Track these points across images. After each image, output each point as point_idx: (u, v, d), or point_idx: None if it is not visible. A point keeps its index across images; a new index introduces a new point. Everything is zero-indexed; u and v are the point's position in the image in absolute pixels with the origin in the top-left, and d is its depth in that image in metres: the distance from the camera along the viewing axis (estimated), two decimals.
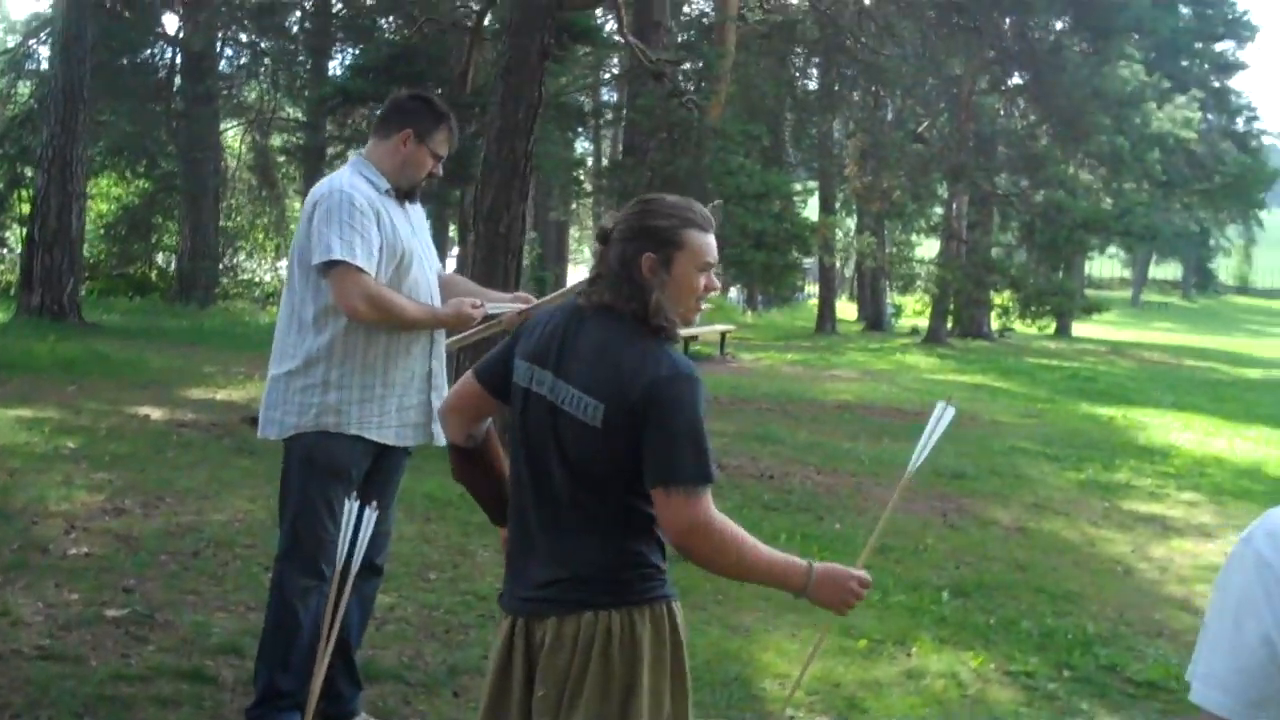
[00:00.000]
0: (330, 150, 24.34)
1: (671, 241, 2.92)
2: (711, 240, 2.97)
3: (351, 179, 4.37)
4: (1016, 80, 28.42)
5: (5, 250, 29.19)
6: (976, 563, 8.17)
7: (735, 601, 6.78)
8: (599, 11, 13.52)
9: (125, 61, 28.52)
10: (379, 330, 4.31)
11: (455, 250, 23.55)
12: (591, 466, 2.84)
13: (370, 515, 3.31)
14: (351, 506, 3.35)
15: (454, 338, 4.65)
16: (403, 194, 4.46)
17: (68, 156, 18.59)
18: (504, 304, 4.52)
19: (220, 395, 12.44)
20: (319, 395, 4.34)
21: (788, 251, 14.72)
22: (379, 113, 4.76)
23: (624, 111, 18.45)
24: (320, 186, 4.45)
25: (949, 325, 31.45)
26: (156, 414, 10.87)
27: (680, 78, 12.98)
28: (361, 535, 3.34)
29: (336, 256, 4.16)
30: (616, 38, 14.42)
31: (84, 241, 20.64)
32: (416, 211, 4.62)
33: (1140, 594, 7.89)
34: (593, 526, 2.87)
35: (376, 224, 4.28)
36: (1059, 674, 6.09)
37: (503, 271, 10.08)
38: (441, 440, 4.34)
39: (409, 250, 4.39)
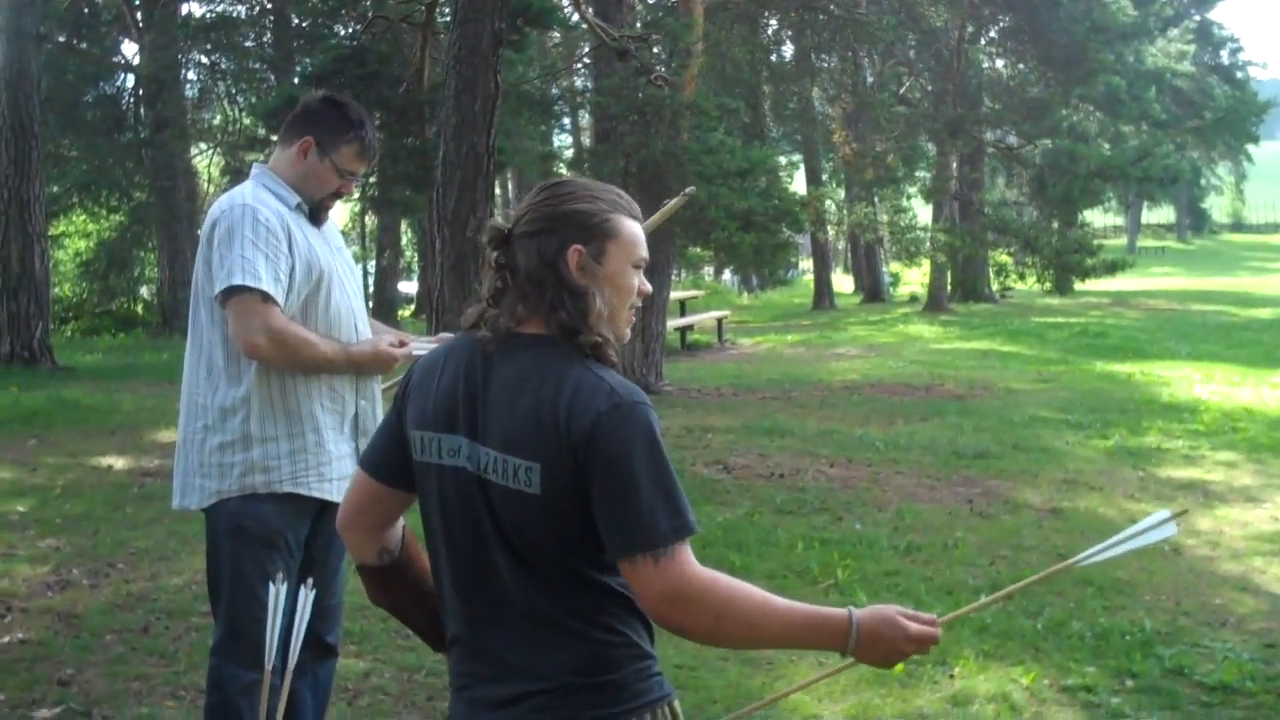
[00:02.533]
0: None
1: (603, 231, 2.31)
2: (642, 232, 2.38)
3: (255, 192, 3.68)
4: (1007, 25, 27.58)
5: None
6: (1012, 555, 7.49)
7: None
8: None
9: (88, 96, 28.02)
10: (286, 370, 3.64)
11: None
12: (542, 544, 2.22)
13: (307, 595, 2.70)
14: (278, 590, 2.72)
15: (387, 384, 3.95)
16: (310, 220, 3.79)
17: (24, 197, 17.87)
18: (430, 344, 3.79)
19: None
20: (240, 452, 3.66)
21: (778, 230, 13.99)
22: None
23: (589, 95, 17.86)
24: (219, 203, 3.74)
25: (949, 290, 30.70)
26: (120, 463, 10.18)
27: (647, 54, 12.24)
28: (298, 620, 2.72)
29: (237, 282, 3.49)
30: (577, 19, 13.67)
31: (50, 284, 19.83)
32: (334, 232, 3.93)
33: (1195, 575, 7.23)
34: (559, 621, 2.24)
35: (288, 243, 3.60)
36: (1121, 684, 5.43)
37: (474, 278, 9.39)
38: None
39: (328, 271, 3.71)
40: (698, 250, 16.03)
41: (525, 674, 2.24)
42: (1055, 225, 25.07)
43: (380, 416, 3.81)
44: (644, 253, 2.37)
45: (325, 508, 3.72)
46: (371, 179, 16.29)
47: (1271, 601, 6.73)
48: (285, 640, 2.75)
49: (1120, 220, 71.55)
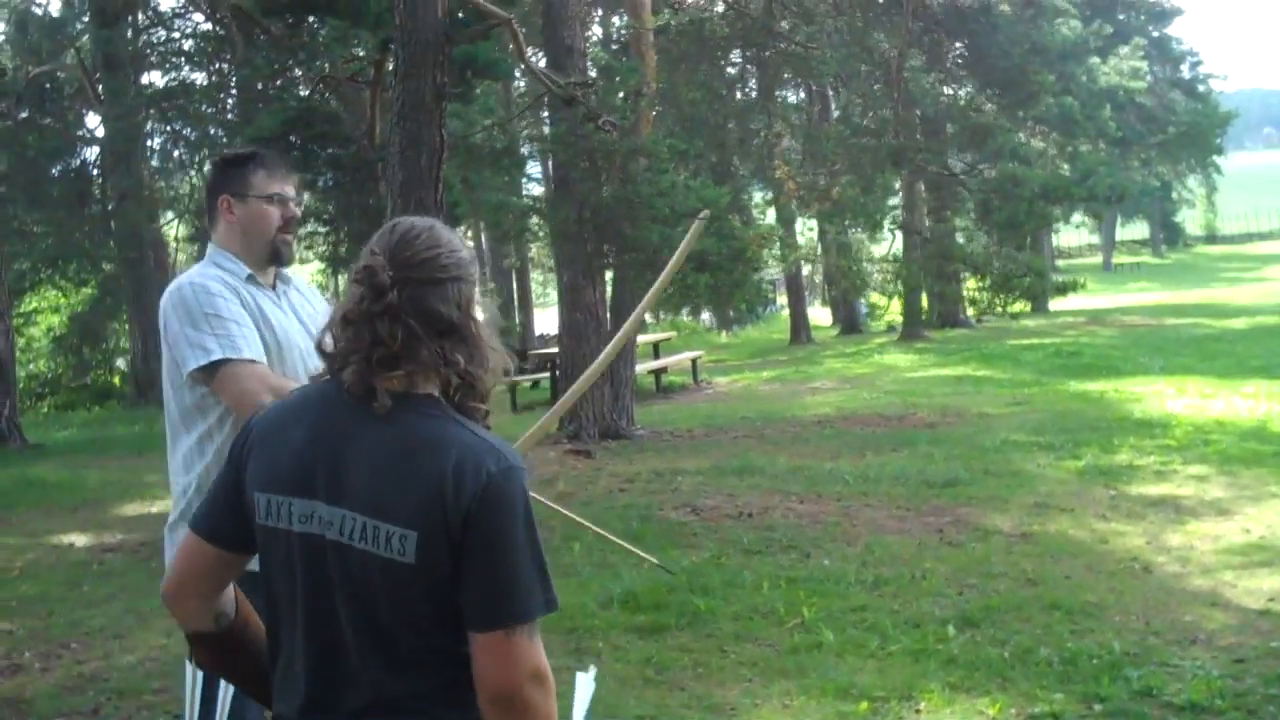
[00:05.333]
0: None
1: (474, 280, 2.25)
2: None
3: (202, 270, 3.55)
4: (951, 51, 27.66)
5: None
6: (981, 584, 7.38)
7: (716, 674, 6.00)
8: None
9: (53, 170, 27.98)
10: None
11: None
12: (413, 618, 2.10)
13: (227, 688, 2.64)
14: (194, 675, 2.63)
15: None
16: (271, 263, 3.63)
17: None
18: None
19: (156, 508, 11.53)
20: None
21: (733, 268, 13.91)
22: None
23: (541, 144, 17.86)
24: (168, 290, 3.56)
25: (923, 317, 30.66)
26: (81, 540, 10.07)
27: (593, 99, 12.20)
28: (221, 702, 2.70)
29: (219, 356, 3.35)
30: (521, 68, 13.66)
31: (16, 361, 19.71)
32: (301, 294, 3.76)
33: (1164, 593, 7.13)
34: (424, 703, 2.12)
35: (242, 308, 3.47)
36: (1089, 709, 5.35)
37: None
38: None
39: (285, 340, 3.55)
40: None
41: None
42: (1003, 250, 25.02)
43: None
44: None
45: None
46: (328, 237, 16.24)
47: (1241, 616, 6.64)
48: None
49: (1095, 238, 71.87)
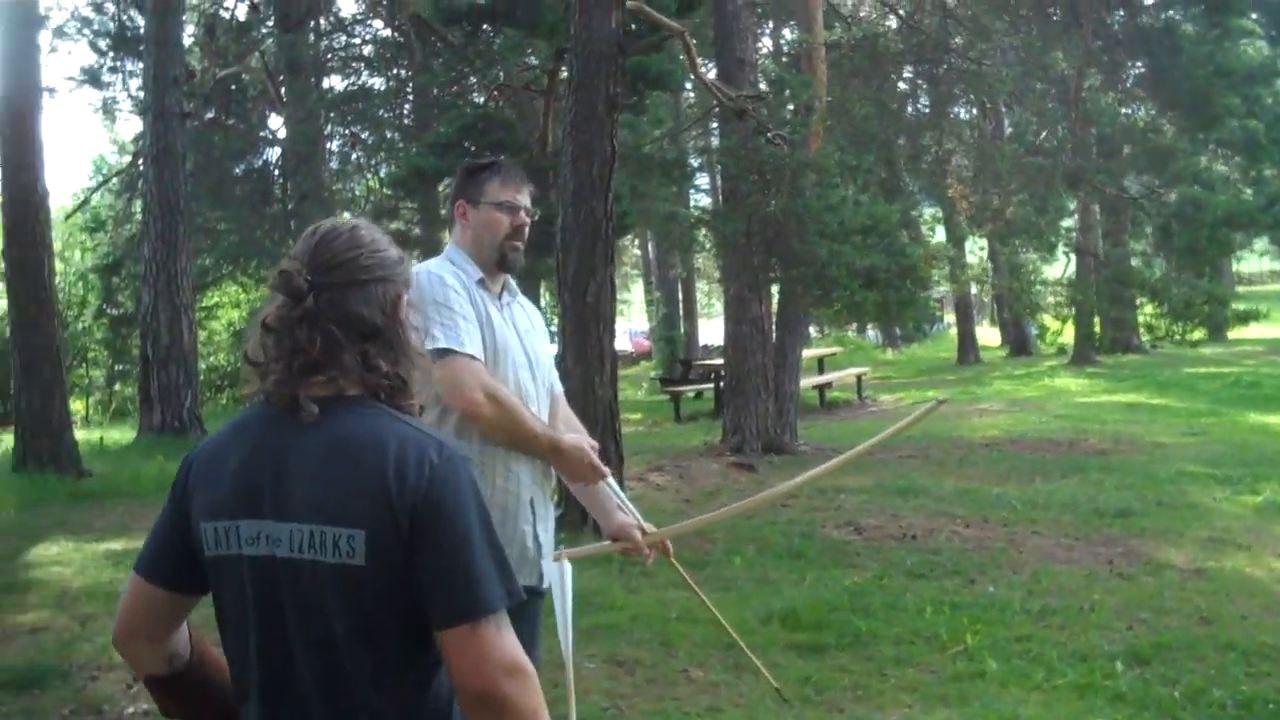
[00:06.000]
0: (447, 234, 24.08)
1: (408, 276, 2.25)
2: None
3: (440, 263, 3.66)
4: (1132, 71, 26.95)
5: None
6: (1152, 619, 7.14)
7: (876, 698, 5.91)
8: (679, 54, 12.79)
9: (236, 170, 28.87)
10: (470, 436, 3.48)
11: None
12: (369, 631, 2.02)
13: None
14: None
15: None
16: (499, 269, 3.70)
17: (171, 271, 18.34)
18: (618, 492, 3.83)
19: None
20: None
21: (902, 286, 13.72)
22: None
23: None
24: None
25: (1096, 341, 29.91)
26: None
27: (763, 112, 12.15)
28: None
29: (443, 345, 3.40)
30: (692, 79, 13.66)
31: (198, 354, 20.32)
32: (523, 308, 3.83)
33: None
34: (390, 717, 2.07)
35: (470, 305, 3.54)
36: None
37: (595, 344, 9.37)
38: (549, 581, 3.62)
39: (503, 346, 3.60)
40: (821, 310, 15.81)
41: None
42: (1183, 275, 24.21)
43: (549, 509, 3.71)
44: None
45: None
46: None
47: None
48: None
49: (1278, 265, 69.47)
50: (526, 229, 3.72)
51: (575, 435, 3.70)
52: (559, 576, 3.67)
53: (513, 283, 3.81)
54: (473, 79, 19.09)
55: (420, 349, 2.21)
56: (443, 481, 1.99)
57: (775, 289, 15.36)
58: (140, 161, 25.91)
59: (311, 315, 2.06)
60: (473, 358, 3.43)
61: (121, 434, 19.64)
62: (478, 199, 3.69)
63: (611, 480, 3.78)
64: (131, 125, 33.71)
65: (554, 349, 8.52)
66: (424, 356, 2.22)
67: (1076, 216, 27.90)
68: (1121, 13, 25.88)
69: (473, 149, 13.42)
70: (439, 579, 1.98)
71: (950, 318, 43.57)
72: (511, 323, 3.69)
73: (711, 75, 14.49)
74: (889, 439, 4.09)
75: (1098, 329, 29.71)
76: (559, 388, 3.89)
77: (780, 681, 5.64)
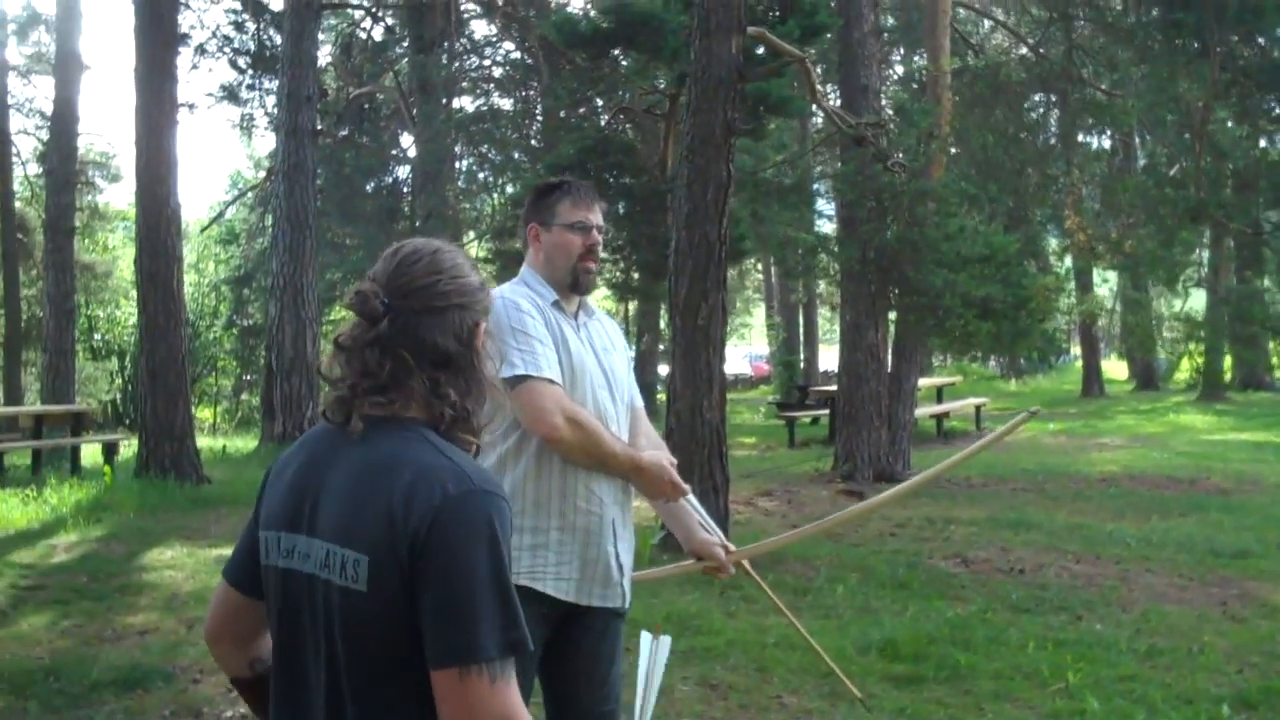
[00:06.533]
0: None
1: (487, 304, 2.20)
2: None
3: (514, 287, 3.66)
4: (1262, 103, 26.26)
5: None
6: (1263, 663, 6.97)
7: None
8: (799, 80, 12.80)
9: (366, 186, 29.41)
10: (552, 460, 3.50)
11: None
12: (372, 655, 1.97)
13: None
14: None
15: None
16: (573, 291, 3.70)
17: (298, 284, 18.81)
18: (700, 510, 3.84)
19: None
20: None
21: (1017, 318, 13.55)
22: None
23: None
24: None
25: (1225, 378, 29.25)
26: None
27: (884, 139, 12.11)
28: None
29: (521, 371, 3.41)
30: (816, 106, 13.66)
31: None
32: (601, 326, 3.83)
33: None
34: None
35: (546, 329, 3.55)
36: None
37: (705, 367, 9.41)
38: (623, 599, 3.63)
39: (580, 367, 3.60)
40: (936, 340, 15.69)
41: None
42: None
43: (630, 529, 3.73)
44: None
45: (580, 614, 3.56)
46: (617, 265, 16.54)
47: None
48: None
49: None
50: (599, 248, 3.73)
51: (655, 452, 3.68)
52: (651, 651, 3.68)
53: (589, 301, 3.81)
54: (598, 101, 19.28)
55: (495, 379, 2.17)
56: (451, 514, 1.91)
57: (892, 316, 15.29)
58: (273, 177, 26.63)
59: (384, 339, 2.04)
60: (551, 382, 3.42)
61: (244, 442, 20.12)
62: (549, 221, 3.68)
63: (693, 498, 3.79)
64: (267, 141, 34.48)
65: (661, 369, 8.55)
66: (496, 388, 2.17)
67: (1208, 251, 27.35)
68: (1257, 43, 25.29)
69: (593, 170, 13.53)
70: (432, 616, 1.90)
71: (1076, 349, 42.92)
72: (588, 342, 3.68)
73: (836, 102, 14.50)
74: (982, 449, 4.05)
75: (1228, 365, 29.06)
76: (639, 403, 3.88)
77: (874, 715, 5.62)
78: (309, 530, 2.04)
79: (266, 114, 28.26)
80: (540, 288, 3.66)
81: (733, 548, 3.88)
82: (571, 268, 3.67)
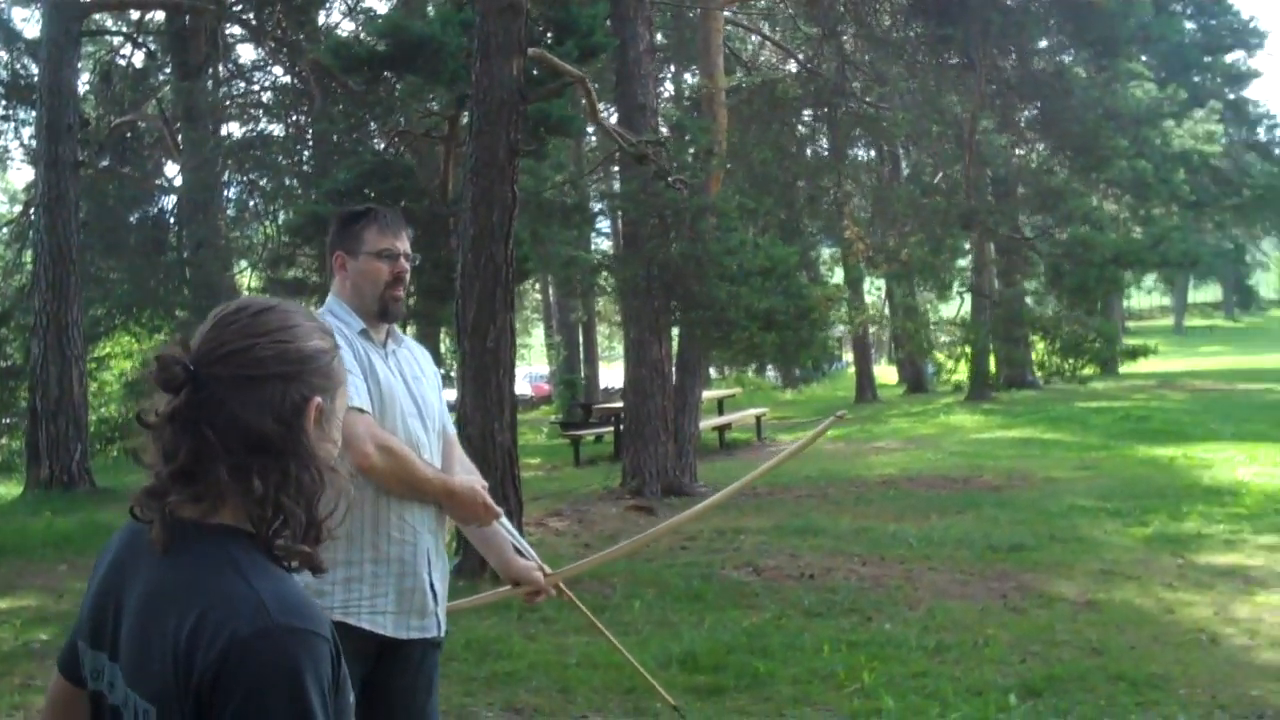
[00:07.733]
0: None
1: (339, 374, 1.82)
2: None
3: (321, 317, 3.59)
4: (1024, 113, 27.60)
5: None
6: (1044, 651, 7.31)
7: None
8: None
9: (130, 218, 28.46)
10: (364, 491, 3.40)
11: None
12: None
13: None
14: None
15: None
16: (380, 319, 3.65)
17: (62, 321, 18.09)
18: (514, 532, 3.84)
19: None
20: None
21: (800, 328, 13.90)
22: None
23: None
24: None
25: (990, 379, 30.41)
26: None
27: (664, 157, 12.29)
28: None
29: None
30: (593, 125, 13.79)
31: (88, 406, 19.97)
32: (410, 354, 3.78)
33: (1231, 666, 7.01)
34: None
35: (354, 359, 3.48)
36: None
37: (495, 389, 9.40)
38: (439, 629, 3.59)
39: (389, 397, 3.54)
40: (721, 352, 16.00)
41: None
42: (1073, 314, 24.77)
43: (444, 558, 3.69)
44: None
45: (396, 646, 3.50)
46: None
47: None
48: None
49: (1167, 300, 71.21)
50: (407, 275, 3.71)
51: (467, 477, 3.69)
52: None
53: (397, 330, 3.79)
54: (373, 125, 19.09)
55: (334, 465, 1.79)
56: (239, 661, 1.56)
57: (675, 332, 15.50)
58: (32, 211, 25.58)
59: (183, 414, 1.67)
60: (361, 410, 3.38)
61: (6, 489, 19.25)
62: (356, 249, 3.63)
63: (506, 522, 3.80)
64: (23, 174, 33.13)
65: (450, 393, 8.49)
66: (340, 474, 1.81)
67: (972, 256, 28.44)
68: (1014, 57, 26.50)
69: (372, 195, 13.37)
70: None
71: (848, 356, 44.12)
72: (398, 371, 3.65)
73: (613, 120, 14.64)
74: (793, 455, 4.15)
75: (992, 367, 30.22)
76: (452, 431, 3.86)
77: None
78: (111, 654, 1.74)
79: (22, 145, 27.17)
80: (347, 316, 3.62)
81: (549, 570, 3.90)
82: (379, 296, 3.64)
